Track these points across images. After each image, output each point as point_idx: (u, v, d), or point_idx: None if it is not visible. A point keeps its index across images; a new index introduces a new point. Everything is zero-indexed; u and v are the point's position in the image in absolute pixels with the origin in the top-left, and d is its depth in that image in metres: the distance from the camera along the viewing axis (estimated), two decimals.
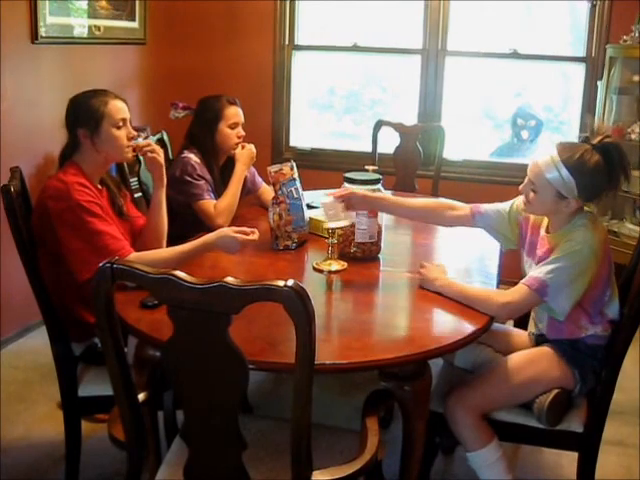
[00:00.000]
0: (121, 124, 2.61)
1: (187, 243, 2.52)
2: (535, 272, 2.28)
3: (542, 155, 2.30)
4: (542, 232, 2.44)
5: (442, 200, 2.88)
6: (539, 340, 2.51)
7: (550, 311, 2.34)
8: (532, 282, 2.26)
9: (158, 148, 2.76)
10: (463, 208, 2.70)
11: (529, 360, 2.39)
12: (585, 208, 2.38)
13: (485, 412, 2.35)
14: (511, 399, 2.37)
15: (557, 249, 2.29)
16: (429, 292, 2.41)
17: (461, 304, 2.29)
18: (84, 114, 2.58)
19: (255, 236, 2.50)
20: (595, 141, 2.30)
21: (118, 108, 2.62)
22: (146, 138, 2.98)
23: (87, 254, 2.36)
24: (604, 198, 2.33)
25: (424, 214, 2.78)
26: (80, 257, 2.38)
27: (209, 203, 3.19)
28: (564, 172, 2.24)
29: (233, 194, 3.24)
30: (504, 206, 2.61)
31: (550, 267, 2.25)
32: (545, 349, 2.41)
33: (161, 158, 2.75)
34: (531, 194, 2.33)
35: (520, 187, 2.38)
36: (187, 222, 3.15)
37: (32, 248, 2.49)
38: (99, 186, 2.64)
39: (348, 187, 2.72)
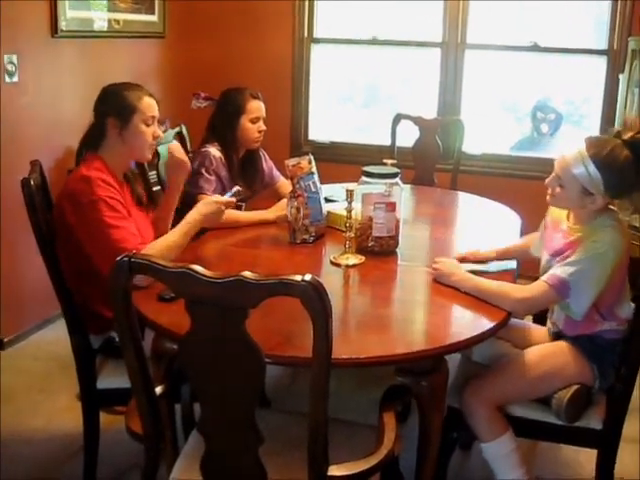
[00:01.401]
0: (150, 122, 2.64)
1: (182, 224, 2.54)
2: (558, 270, 2.25)
3: (570, 149, 2.27)
4: (564, 225, 2.42)
5: (523, 241, 2.84)
6: (557, 336, 2.49)
7: (567, 310, 2.32)
8: (554, 280, 2.23)
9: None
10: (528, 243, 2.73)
11: (546, 354, 2.38)
12: (611, 207, 2.35)
13: (500, 404, 2.34)
14: (527, 393, 2.36)
15: (581, 248, 2.25)
16: (446, 287, 2.40)
17: (478, 299, 2.28)
18: (118, 104, 2.59)
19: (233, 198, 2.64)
20: (627, 136, 2.26)
21: (150, 105, 2.65)
22: (165, 131, 2.98)
23: (106, 249, 2.37)
24: (632, 196, 2.30)
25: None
26: (100, 251, 2.39)
27: None
28: (591, 168, 2.21)
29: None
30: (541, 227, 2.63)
31: (574, 268, 2.21)
32: (563, 344, 2.40)
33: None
34: (557, 188, 2.31)
35: (546, 181, 2.36)
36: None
37: (51, 241, 2.51)
38: (121, 180, 2.64)
39: (366, 180, 2.72)
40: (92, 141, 2.63)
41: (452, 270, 2.41)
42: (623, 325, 2.36)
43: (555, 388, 2.32)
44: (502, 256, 2.70)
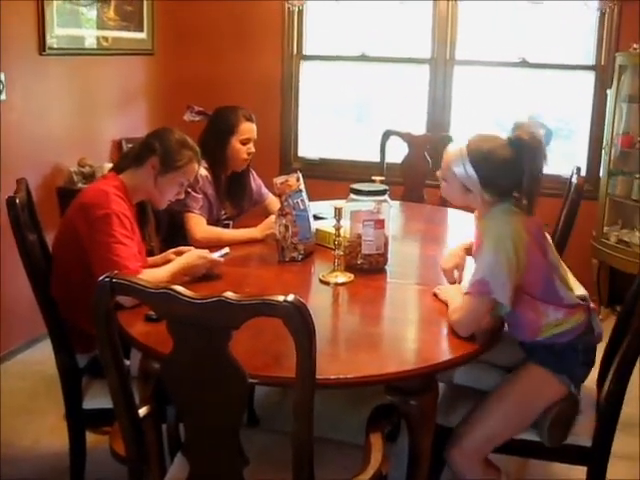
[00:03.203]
0: (184, 185, 2.73)
1: (173, 265, 2.54)
2: (471, 277, 2.23)
3: (455, 145, 2.32)
4: (475, 223, 2.44)
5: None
6: (523, 347, 2.43)
7: (496, 310, 2.27)
8: (471, 287, 2.20)
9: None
10: None
11: (517, 389, 2.32)
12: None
13: (488, 452, 2.33)
14: (512, 432, 2.33)
15: (483, 242, 2.26)
16: (436, 304, 2.39)
17: None
18: (169, 152, 2.64)
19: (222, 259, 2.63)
20: (512, 135, 2.27)
21: (194, 173, 2.75)
22: None
23: (109, 262, 2.35)
24: (516, 194, 2.28)
25: None
26: (102, 263, 2.37)
27: (197, 218, 3.16)
28: (468, 166, 2.24)
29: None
30: None
31: (482, 265, 2.21)
32: (528, 368, 2.34)
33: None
34: (443, 182, 2.37)
35: (437, 172, 2.41)
36: (175, 230, 3.16)
37: (37, 259, 2.50)
38: (133, 203, 2.66)
39: (354, 198, 2.71)
40: (127, 162, 2.67)
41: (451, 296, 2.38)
42: (573, 318, 2.30)
43: (537, 415, 2.31)
44: None
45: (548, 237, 2.37)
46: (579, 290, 2.46)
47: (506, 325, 2.36)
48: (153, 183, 2.64)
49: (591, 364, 2.37)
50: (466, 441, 2.29)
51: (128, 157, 2.72)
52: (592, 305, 2.41)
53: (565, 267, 2.41)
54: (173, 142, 2.67)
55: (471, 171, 2.24)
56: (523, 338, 2.36)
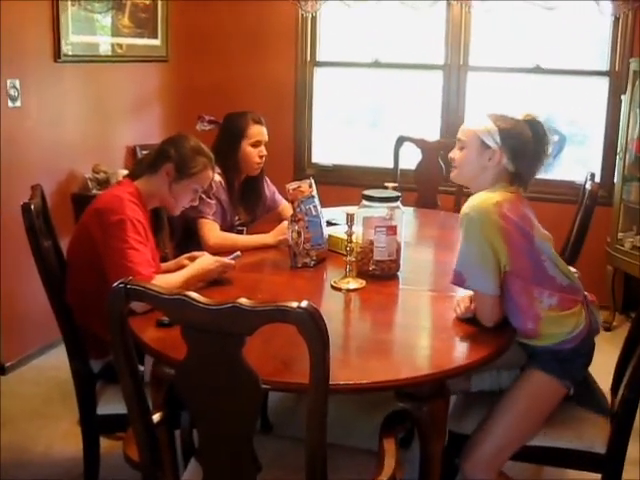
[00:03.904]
0: (199, 192, 2.76)
1: (187, 270, 2.56)
2: None
3: (475, 120, 2.42)
4: None
5: None
6: (526, 351, 2.41)
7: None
8: (451, 279, 2.29)
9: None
10: None
11: (522, 396, 2.31)
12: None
13: (503, 464, 2.33)
14: (522, 440, 2.32)
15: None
16: (447, 311, 2.38)
17: (477, 324, 2.26)
18: (185, 160, 2.66)
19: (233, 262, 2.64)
20: (521, 117, 2.41)
21: (208, 180, 2.77)
22: None
23: (123, 268, 2.36)
24: (527, 160, 2.36)
25: None
26: (116, 268, 2.38)
27: (210, 224, 3.17)
28: (487, 122, 2.35)
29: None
30: None
31: (457, 256, 2.27)
32: (531, 375, 2.33)
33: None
34: (458, 153, 2.43)
35: (450, 154, 2.48)
36: (189, 236, 3.18)
37: (51, 265, 2.51)
38: (148, 209, 2.68)
39: (366, 204, 2.71)
40: (142, 169, 2.69)
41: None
42: (567, 302, 2.28)
43: (545, 420, 2.32)
44: None
45: (535, 221, 2.34)
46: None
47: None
48: (168, 190, 2.65)
49: (590, 363, 2.38)
50: (479, 453, 2.29)
51: (143, 164, 2.73)
52: (589, 296, 2.41)
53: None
54: (188, 149, 2.68)
55: (490, 124, 2.35)
56: (525, 329, 2.31)
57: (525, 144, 2.35)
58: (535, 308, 2.27)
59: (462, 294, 2.41)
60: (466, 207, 2.24)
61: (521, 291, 2.26)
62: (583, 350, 2.32)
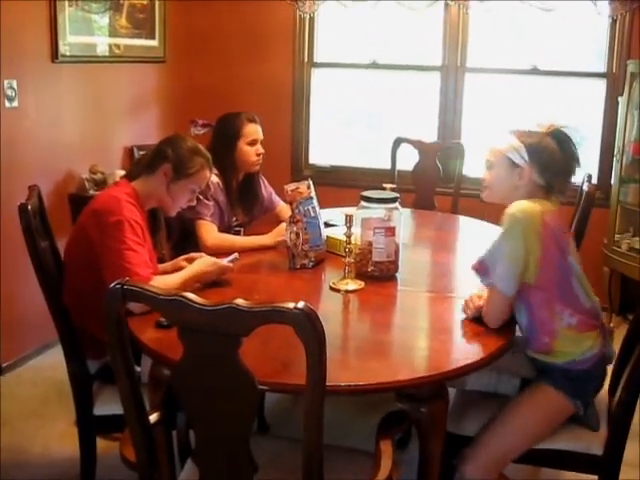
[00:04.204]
0: (196, 192, 2.76)
1: (185, 272, 2.55)
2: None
3: (500, 141, 2.41)
4: None
5: None
6: (535, 366, 2.41)
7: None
8: (474, 264, 2.29)
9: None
10: None
11: (532, 410, 2.31)
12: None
13: (504, 468, 2.35)
14: (526, 448, 2.32)
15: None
16: (446, 312, 2.38)
17: (479, 324, 2.26)
18: (182, 160, 2.66)
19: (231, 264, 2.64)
20: (544, 128, 2.39)
21: (206, 179, 2.77)
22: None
23: (120, 269, 2.36)
24: (557, 171, 2.35)
25: None
26: (113, 269, 2.37)
27: (208, 225, 3.17)
28: (512, 139, 2.35)
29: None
30: None
31: (489, 246, 2.28)
32: (542, 390, 2.32)
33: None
34: (488, 174, 2.43)
35: (482, 176, 2.48)
36: (186, 237, 3.18)
37: (48, 266, 2.51)
38: (145, 210, 2.68)
39: (365, 205, 2.71)
40: (139, 169, 2.69)
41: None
42: (585, 326, 2.28)
43: (551, 434, 2.32)
44: None
45: (570, 239, 2.37)
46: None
47: (519, 330, 2.36)
48: (165, 190, 2.65)
49: (600, 389, 2.38)
50: (482, 457, 2.29)
51: (140, 164, 2.73)
52: (607, 326, 2.41)
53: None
54: (185, 149, 2.68)
55: (517, 142, 2.34)
56: (539, 343, 2.32)
57: (553, 156, 2.34)
58: (554, 324, 2.28)
59: (463, 295, 2.41)
60: (512, 208, 2.24)
61: (543, 304, 2.27)
62: (595, 374, 2.33)
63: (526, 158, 2.32)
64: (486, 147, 2.44)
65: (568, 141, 2.37)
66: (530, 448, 2.33)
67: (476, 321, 2.29)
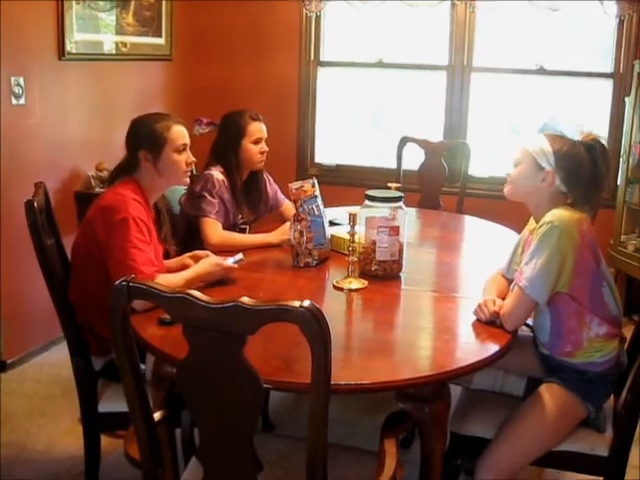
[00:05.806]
0: (182, 149, 2.68)
1: (189, 272, 2.55)
2: (524, 271, 2.25)
3: (532, 141, 2.39)
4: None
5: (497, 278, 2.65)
6: (547, 363, 2.42)
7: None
8: (519, 278, 2.25)
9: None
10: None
11: (547, 412, 2.29)
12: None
13: (520, 470, 2.34)
14: (544, 451, 2.32)
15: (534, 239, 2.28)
16: (449, 311, 2.38)
17: (483, 324, 2.26)
18: (147, 137, 2.63)
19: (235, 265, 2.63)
20: (580, 137, 2.38)
21: (180, 133, 2.69)
22: None
23: (125, 266, 2.37)
24: (581, 183, 2.33)
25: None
26: (118, 267, 2.39)
27: (213, 223, 3.17)
28: (543, 142, 2.34)
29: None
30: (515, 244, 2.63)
31: (526, 258, 2.25)
32: (556, 391, 2.31)
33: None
34: (512, 171, 2.41)
35: (506, 174, 2.46)
36: (192, 234, 3.18)
37: (54, 263, 2.51)
38: (151, 206, 2.68)
39: (369, 204, 2.71)
40: (124, 171, 2.68)
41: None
42: (611, 335, 2.30)
43: (567, 437, 2.31)
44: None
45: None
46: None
47: (541, 335, 2.37)
48: (157, 172, 2.64)
49: (611, 394, 2.39)
50: (497, 465, 2.29)
51: (127, 166, 2.69)
52: (621, 332, 2.41)
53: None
54: (144, 125, 2.66)
55: (546, 145, 2.33)
56: (560, 350, 2.33)
57: (580, 167, 2.33)
58: (582, 334, 2.29)
59: (467, 295, 2.41)
60: (549, 216, 2.24)
61: (574, 313, 2.27)
62: (609, 377, 2.33)
63: (552, 163, 2.31)
64: (518, 145, 2.43)
65: (603, 155, 2.35)
66: (546, 450, 2.32)
67: (476, 322, 2.29)
